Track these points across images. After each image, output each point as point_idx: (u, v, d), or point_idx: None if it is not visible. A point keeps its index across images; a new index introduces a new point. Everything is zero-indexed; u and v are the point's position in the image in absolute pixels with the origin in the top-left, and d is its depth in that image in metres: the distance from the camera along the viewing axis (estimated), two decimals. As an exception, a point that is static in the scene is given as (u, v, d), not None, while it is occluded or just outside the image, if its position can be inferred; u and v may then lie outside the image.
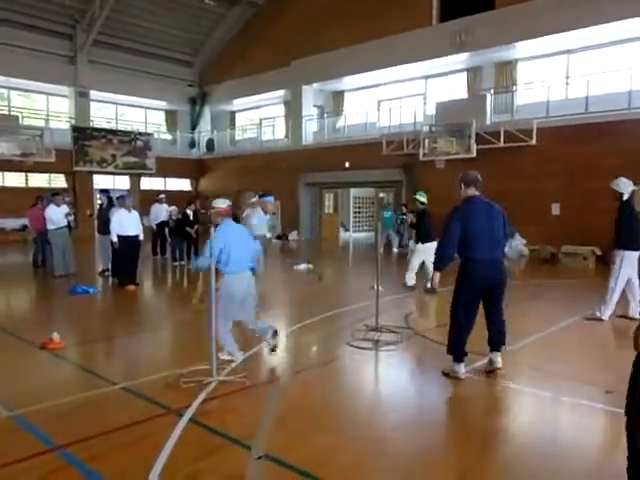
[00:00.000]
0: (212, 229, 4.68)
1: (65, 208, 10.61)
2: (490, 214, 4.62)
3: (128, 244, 9.55)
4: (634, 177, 13.33)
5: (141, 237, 9.97)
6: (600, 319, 6.92)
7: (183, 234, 12.40)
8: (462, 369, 4.67)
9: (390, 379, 5.03)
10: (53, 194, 11.01)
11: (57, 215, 10.36)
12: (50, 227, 10.33)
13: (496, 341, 4.78)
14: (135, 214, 9.86)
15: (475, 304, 4.66)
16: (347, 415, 3.98)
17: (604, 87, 14.74)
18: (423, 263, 9.11)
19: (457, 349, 4.68)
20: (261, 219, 7.30)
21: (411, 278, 9.33)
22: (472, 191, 4.68)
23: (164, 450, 3.28)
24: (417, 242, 9.44)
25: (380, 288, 9.24)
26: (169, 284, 11.07)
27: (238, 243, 4.91)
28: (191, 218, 12.37)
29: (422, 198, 9.63)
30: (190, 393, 4.23)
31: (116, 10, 21.30)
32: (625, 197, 6.67)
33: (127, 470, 3.11)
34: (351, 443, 3.48)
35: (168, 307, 8.43)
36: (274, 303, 8.33)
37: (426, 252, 9.01)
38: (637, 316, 6.84)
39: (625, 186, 6.67)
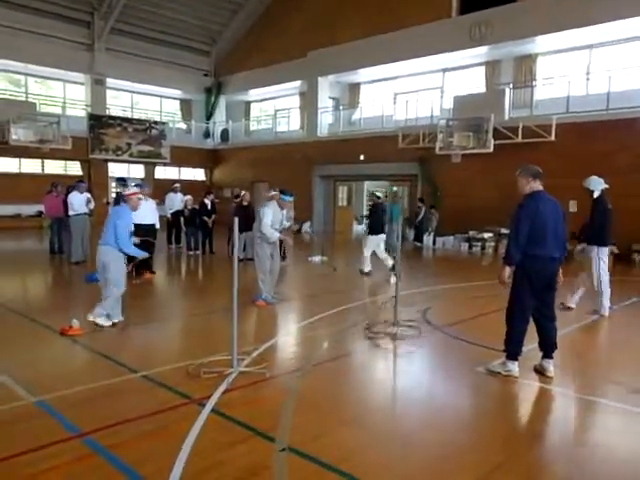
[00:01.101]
0: None
1: (87, 195, 10.69)
2: (555, 210, 4.54)
3: (144, 233, 9.57)
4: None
5: (157, 226, 10.01)
6: (602, 315, 7.08)
7: (200, 223, 12.44)
8: (517, 367, 4.60)
9: (410, 374, 4.99)
10: (78, 181, 11.10)
11: (79, 202, 10.44)
12: (70, 213, 10.42)
13: (549, 347, 4.67)
14: (152, 203, 9.89)
15: (533, 300, 4.58)
16: (368, 409, 3.96)
17: (626, 83, 14.51)
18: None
19: (516, 346, 4.58)
20: (277, 214, 7.24)
21: (367, 265, 10.28)
22: (537, 185, 4.58)
23: (187, 439, 3.28)
24: (368, 234, 10.42)
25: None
26: (185, 273, 11.11)
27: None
28: (209, 207, 12.38)
29: (379, 194, 10.96)
30: (211, 383, 4.24)
31: (134, -2, 21.31)
32: (596, 194, 6.82)
33: (151, 458, 3.11)
34: (374, 437, 3.46)
35: (185, 296, 8.45)
36: (291, 295, 8.33)
37: (374, 242, 10.21)
38: (606, 313, 7.10)
39: (596, 184, 6.86)
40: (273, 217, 7.08)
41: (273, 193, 8.56)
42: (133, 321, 6.34)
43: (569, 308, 7.31)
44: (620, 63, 15.10)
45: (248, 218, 9.93)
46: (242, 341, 5.00)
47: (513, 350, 4.61)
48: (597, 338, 6.40)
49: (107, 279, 6.00)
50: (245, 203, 11.08)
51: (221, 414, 3.70)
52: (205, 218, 12.38)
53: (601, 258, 6.97)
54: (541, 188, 4.61)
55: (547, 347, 4.68)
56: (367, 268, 10.28)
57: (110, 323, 5.99)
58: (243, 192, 11.44)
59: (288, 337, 5.84)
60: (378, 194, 10.95)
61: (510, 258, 4.45)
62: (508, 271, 4.50)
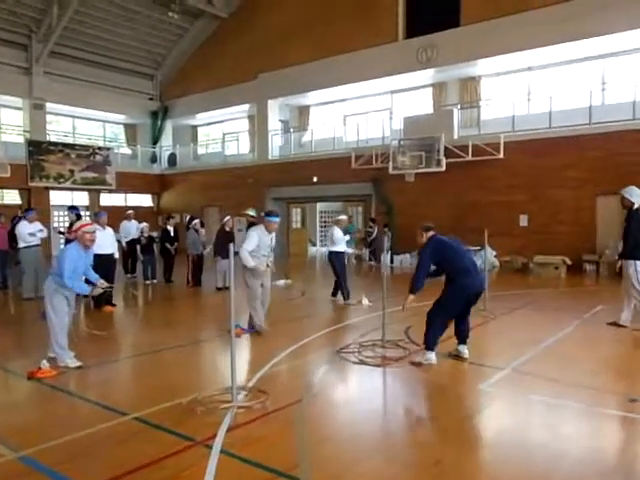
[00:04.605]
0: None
1: (38, 225, 9.98)
2: (454, 241, 5.78)
3: (103, 263, 9.04)
4: (595, 188, 13.96)
5: (116, 255, 9.53)
6: (624, 326, 6.90)
7: (162, 251, 11.92)
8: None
9: (414, 397, 4.86)
10: (26, 210, 10.35)
11: (29, 232, 9.73)
12: (21, 245, 9.67)
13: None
14: (110, 231, 9.41)
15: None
16: (386, 438, 3.80)
17: (565, 103, 15.34)
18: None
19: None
20: (264, 239, 6.89)
21: None
22: (430, 233, 5.63)
23: (205, 487, 3.01)
24: None
25: (369, 302, 9.24)
26: (147, 305, 10.60)
27: None
28: (172, 234, 11.88)
29: (252, 213, 11.01)
30: (211, 421, 3.95)
31: (74, 21, 20.61)
32: (635, 207, 6.69)
33: (168, 512, 2.82)
34: (403, 468, 3.29)
35: (152, 329, 7.99)
36: (266, 321, 8.05)
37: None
38: (628, 325, 6.97)
39: (636, 196, 6.70)
40: (260, 242, 6.77)
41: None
42: (103, 358, 5.91)
43: (621, 326, 6.95)
44: (558, 84, 15.97)
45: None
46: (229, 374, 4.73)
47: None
48: (588, 347, 6.47)
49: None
50: (228, 229, 10.79)
51: (232, 455, 3.42)
52: (168, 245, 11.86)
53: (639, 272, 6.73)
54: (434, 233, 5.63)
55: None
56: None
57: (80, 363, 5.52)
58: (227, 217, 11.15)
59: (278, 366, 5.57)
60: (251, 213, 11.00)
61: (416, 288, 5.45)
62: (411, 298, 5.51)
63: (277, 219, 7.02)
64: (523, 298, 9.73)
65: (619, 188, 13.74)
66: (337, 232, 9.61)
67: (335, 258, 9.56)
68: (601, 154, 13.77)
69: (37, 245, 9.87)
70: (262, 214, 7.25)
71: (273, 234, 7.05)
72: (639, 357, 6.08)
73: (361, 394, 4.88)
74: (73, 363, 5.47)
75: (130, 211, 13.52)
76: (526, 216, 15.23)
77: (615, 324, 7.06)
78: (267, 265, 6.98)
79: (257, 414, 4.13)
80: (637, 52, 14.84)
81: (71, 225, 11.05)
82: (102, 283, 6.12)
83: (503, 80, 17.32)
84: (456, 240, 5.85)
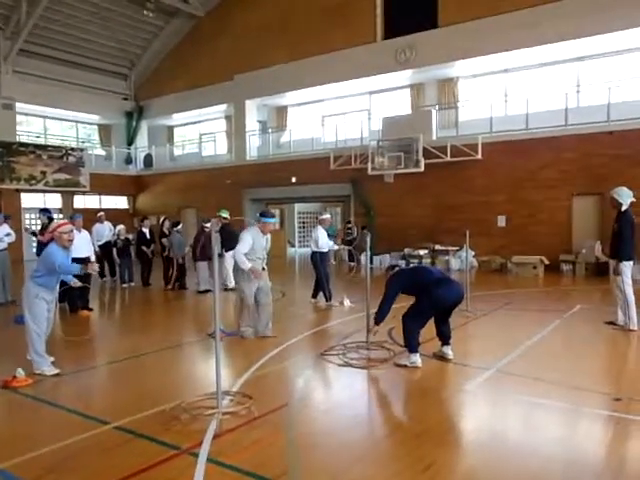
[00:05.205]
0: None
1: (5, 228, 9.64)
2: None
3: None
4: (571, 188, 14.19)
5: (93, 258, 9.28)
6: (631, 330, 6.71)
7: (138, 254, 11.65)
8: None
9: (400, 399, 4.84)
10: None
11: None
12: None
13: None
14: (86, 234, 9.18)
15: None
16: (374, 442, 3.75)
17: (541, 105, 15.55)
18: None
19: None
20: (258, 240, 6.67)
21: (230, 281, 10.53)
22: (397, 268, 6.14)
23: (193, 498, 2.90)
24: (225, 251, 10.66)
25: (350, 303, 9.21)
26: (125, 309, 10.36)
27: None
28: (148, 236, 11.62)
29: (225, 214, 11.07)
30: (196, 428, 3.85)
31: (45, 18, 20.10)
32: (624, 208, 6.68)
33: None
34: (395, 470, 3.24)
35: (130, 334, 7.80)
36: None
37: (230, 258, 10.05)
38: (635, 327, 6.75)
39: (626, 197, 6.67)
40: (254, 244, 6.59)
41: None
42: (81, 365, 5.73)
43: (612, 323, 6.98)
44: (535, 86, 16.19)
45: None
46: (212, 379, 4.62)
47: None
48: (572, 347, 6.54)
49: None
50: (207, 231, 10.62)
51: (221, 464, 3.32)
52: (144, 248, 11.60)
53: (625, 273, 6.67)
54: (398, 268, 6.13)
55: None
56: (232, 284, 10.12)
57: (57, 371, 5.34)
58: (211, 221, 10.94)
59: (262, 370, 5.48)
60: (224, 215, 11.01)
61: (381, 319, 5.66)
62: (377, 328, 5.77)
63: (273, 220, 6.88)
64: (503, 298, 9.80)
65: (594, 189, 14.00)
66: (322, 235, 9.25)
67: (319, 258, 9.27)
68: (576, 155, 14.01)
69: (4, 249, 9.54)
70: (257, 215, 7.08)
71: (268, 235, 6.89)
72: (621, 355, 6.14)
73: (348, 397, 4.81)
74: (50, 370, 5.29)
75: (101, 213, 13.16)
76: (504, 216, 15.40)
77: (623, 328, 6.85)
78: (263, 268, 6.87)
79: (243, 420, 4.03)
80: (610, 55, 15.15)
81: (43, 228, 10.75)
82: (75, 282, 6.05)
83: (480, 82, 17.50)
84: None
